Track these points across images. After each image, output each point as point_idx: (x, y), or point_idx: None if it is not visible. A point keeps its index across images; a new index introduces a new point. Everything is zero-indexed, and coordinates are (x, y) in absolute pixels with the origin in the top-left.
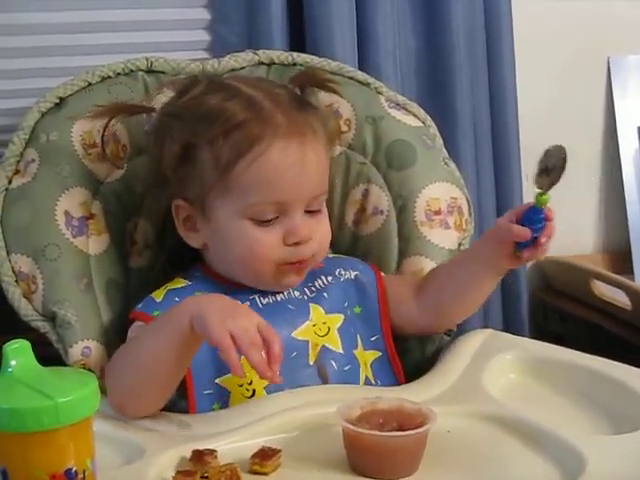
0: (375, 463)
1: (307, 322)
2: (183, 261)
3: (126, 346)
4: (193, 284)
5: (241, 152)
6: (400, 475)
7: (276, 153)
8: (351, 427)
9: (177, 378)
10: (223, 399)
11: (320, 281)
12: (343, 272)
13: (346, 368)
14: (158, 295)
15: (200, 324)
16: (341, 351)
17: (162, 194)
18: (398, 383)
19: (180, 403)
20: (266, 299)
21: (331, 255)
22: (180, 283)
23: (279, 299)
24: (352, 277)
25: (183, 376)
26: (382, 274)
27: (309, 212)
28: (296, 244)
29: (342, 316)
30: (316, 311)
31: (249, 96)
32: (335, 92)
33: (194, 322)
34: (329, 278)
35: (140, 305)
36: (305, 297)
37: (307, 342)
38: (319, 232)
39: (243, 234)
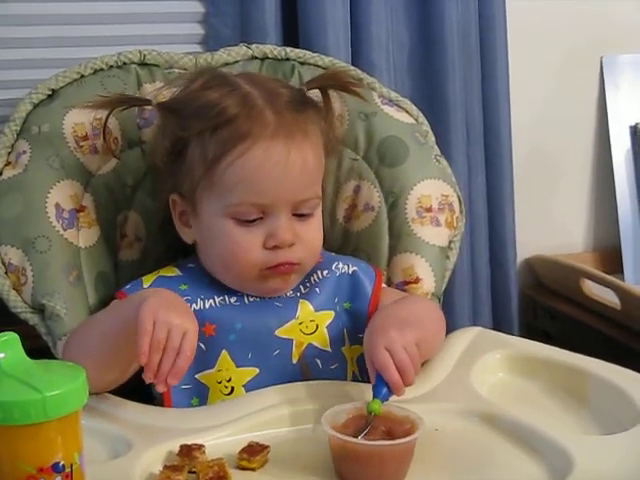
0: (361, 471)
1: (293, 320)
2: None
3: (86, 320)
4: (183, 275)
5: (226, 148)
6: None
7: (259, 152)
8: (337, 435)
9: (122, 360)
10: (202, 394)
11: (316, 275)
12: (341, 266)
13: (333, 366)
14: (147, 280)
15: (137, 308)
16: (329, 349)
17: (162, 187)
18: None
19: (158, 395)
20: (253, 297)
21: (333, 254)
22: (172, 272)
23: (267, 297)
24: (349, 272)
25: (132, 362)
26: (383, 279)
27: (298, 216)
28: (276, 247)
29: (332, 313)
30: (305, 308)
31: (245, 93)
32: (359, 95)
33: (137, 306)
34: (325, 272)
35: (128, 286)
36: (298, 294)
37: (291, 340)
38: (307, 237)
39: (224, 233)
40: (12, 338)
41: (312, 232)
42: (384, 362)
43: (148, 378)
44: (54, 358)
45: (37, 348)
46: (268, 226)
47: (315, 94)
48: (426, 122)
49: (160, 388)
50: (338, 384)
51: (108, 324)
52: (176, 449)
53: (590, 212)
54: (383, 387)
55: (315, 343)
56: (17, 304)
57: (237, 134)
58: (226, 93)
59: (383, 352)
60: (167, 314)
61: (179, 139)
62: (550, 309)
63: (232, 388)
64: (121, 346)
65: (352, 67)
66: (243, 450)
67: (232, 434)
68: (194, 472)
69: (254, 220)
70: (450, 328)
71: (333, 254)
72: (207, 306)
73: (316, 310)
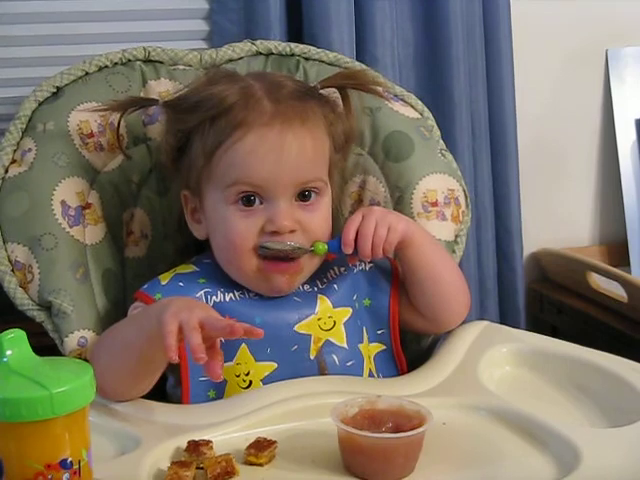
0: (368, 464)
1: (312, 315)
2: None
3: (109, 331)
4: (200, 271)
5: (223, 137)
6: (394, 477)
7: (253, 138)
8: (344, 427)
9: (151, 370)
10: (219, 387)
11: (332, 272)
12: (357, 263)
13: (349, 363)
14: (165, 278)
15: (159, 317)
16: (345, 346)
17: (174, 186)
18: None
19: (178, 389)
20: None
21: None
22: (188, 268)
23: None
24: (366, 268)
25: (161, 368)
26: (399, 269)
27: (302, 202)
28: (275, 233)
29: (350, 310)
30: (323, 303)
31: (247, 85)
32: (379, 94)
33: (158, 317)
34: (341, 269)
35: (146, 285)
36: (315, 289)
37: (310, 336)
38: (311, 225)
39: (224, 220)
40: (19, 335)
41: (316, 220)
42: (349, 221)
43: (199, 360)
44: (61, 355)
45: (44, 345)
46: (267, 212)
47: (328, 92)
48: (431, 116)
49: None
50: (349, 379)
51: (128, 338)
52: (184, 445)
53: (596, 205)
54: (339, 241)
55: (332, 339)
56: (24, 301)
57: (233, 122)
58: (228, 86)
59: (357, 215)
60: (189, 312)
61: (182, 133)
62: (557, 302)
63: (250, 382)
64: (146, 360)
65: (357, 62)
66: (250, 446)
67: (240, 430)
68: (202, 468)
69: (253, 205)
70: None
71: None
72: (227, 299)
73: (334, 306)
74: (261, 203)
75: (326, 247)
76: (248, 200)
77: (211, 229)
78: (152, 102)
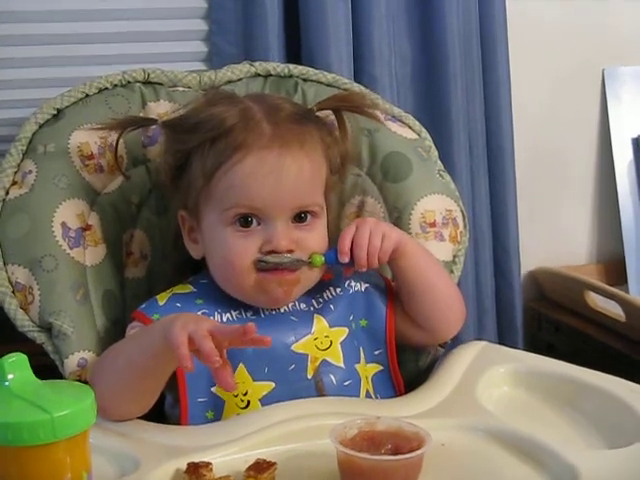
0: None
1: (309, 335)
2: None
3: (110, 351)
4: (197, 291)
5: (223, 159)
6: None
7: (252, 160)
8: (343, 449)
9: (153, 387)
10: (217, 408)
11: (328, 292)
12: (353, 284)
13: (346, 383)
14: (162, 298)
15: (166, 335)
16: (342, 365)
17: (171, 205)
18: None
19: (176, 409)
20: (269, 310)
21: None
22: (185, 289)
23: (283, 310)
24: (362, 289)
25: (163, 384)
26: (394, 287)
27: (299, 223)
28: (272, 252)
29: (346, 330)
30: (320, 323)
31: (246, 107)
32: (374, 117)
33: (164, 334)
34: (337, 290)
35: (143, 305)
36: (311, 308)
37: (307, 356)
38: (309, 245)
39: (222, 241)
40: (20, 359)
41: (313, 239)
42: (344, 231)
43: (213, 363)
44: (61, 376)
45: (43, 365)
46: (265, 232)
47: (324, 114)
48: (429, 137)
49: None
50: (348, 400)
51: (131, 357)
52: (184, 467)
53: (593, 224)
54: (335, 252)
55: (329, 359)
56: (24, 323)
57: (233, 144)
58: (227, 108)
59: (351, 226)
60: (196, 324)
61: (181, 153)
62: (554, 321)
63: (248, 402)
64: (147, 379)
65: (355, 83)
66: (250, 467)
67: (239, 451)
68: None
69: (250, 226)
70: (455, 342)
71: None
72: (224, 319)
73: (330, 326)
74: (258, 224)
75: (323, 258)
76: (246, 221)
77: (208, 249)
78: (151, 122)
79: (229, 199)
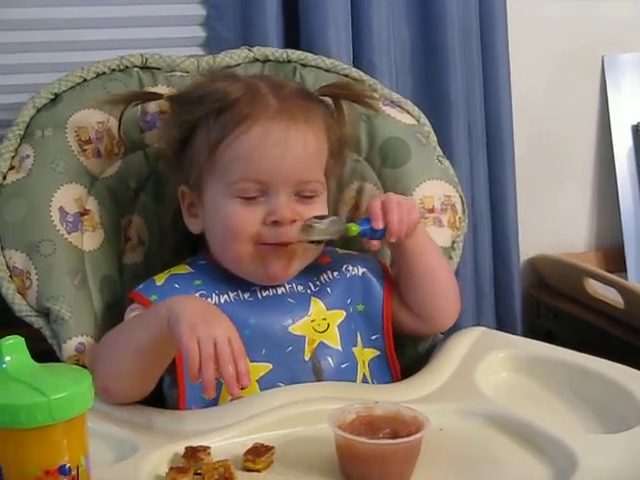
0: (365, 470)
1: (306, 317)
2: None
3: (112, 333)
4: (195, 272)
5: (228, 130)
6: None
7: (258, 132)
8: (341, 433)
9: (158, 368)
10: (216, 389)
11: (325, 276)
12: (351, 268)
13: (343, 365)
14: (160, 278)
15: (173, 326)
16: (339, 348)
17: (172, 181)
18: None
19: (174, 390)
20: (266, 291)
21: (340, 251)
22: (183, 269)
23: (280, 292)
24: (359, 274)
25: (165, 365)
26: (391, 274)
27: (301, 198)
28: (275, 223)
29: (344, 313)
30: (317, 306)
31: (251, 82)
32: (372, 107)
33: (170, 322)
34: (335, 273)
35: (141, 286)
36: (308, 291)
37: (304, 337)
38: (311, 214)
39: (225, 211)
40: (18, 342)
41: (316, 212)
42: (372, 200)
43: (210, 395)
44: (59, 361)
45: (42, 351)
46: (268, 204)
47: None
48: (428, 123)
49: (235, 393)
50: (346, 385)
51: (137, 339)
52: (182, 451)
53: (593, 211)
54: (368, 220)
55: (326, 341)
56: (22, 308)
57: (239, 116)
58: (231, 82)
59: (377, 197)
60: (206, 327)
61: (187, 124)
62: (553, 308)
63: None
64: (152, 361)
65: (354, 68)
66: (248, 451)
67: (237, 435)
68: (200, 474)
69: (254, 198)
70: (454, 328)
71: (340, 252)
72: (222, 301)
73: (327, 309)
74: (262, 196)
75: (358, 227)
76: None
77: (209, 220)
78: (156, 96)
79: (234, 171)
